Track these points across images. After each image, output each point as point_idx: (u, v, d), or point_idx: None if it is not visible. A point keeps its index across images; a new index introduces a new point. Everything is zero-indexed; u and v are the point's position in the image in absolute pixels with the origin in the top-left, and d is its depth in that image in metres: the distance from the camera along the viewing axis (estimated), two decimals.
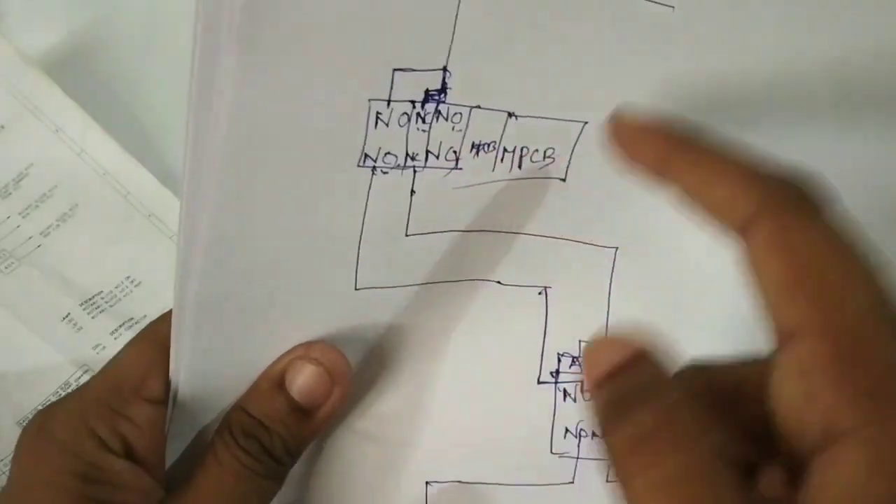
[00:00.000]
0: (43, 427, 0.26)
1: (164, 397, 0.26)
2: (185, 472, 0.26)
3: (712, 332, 0.30)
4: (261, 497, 0.26)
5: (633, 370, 0.19)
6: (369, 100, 0.24)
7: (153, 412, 0.26)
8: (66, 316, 0.40)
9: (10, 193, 0.42)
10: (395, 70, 0.24)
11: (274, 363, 0.27)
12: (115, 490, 0.25)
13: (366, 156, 0.25)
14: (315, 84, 0.23)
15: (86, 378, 0.39)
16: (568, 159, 0.27)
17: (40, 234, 0.42)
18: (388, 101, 0.24)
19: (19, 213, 0.42)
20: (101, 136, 0.43)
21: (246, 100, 0.22)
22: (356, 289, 0.27)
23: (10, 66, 0.44)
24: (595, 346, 0.20)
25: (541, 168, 0.27)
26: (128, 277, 0.41)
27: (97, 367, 0.39)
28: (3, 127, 0.43)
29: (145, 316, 0.40)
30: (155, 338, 0.26)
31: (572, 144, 0.27)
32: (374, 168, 0.25)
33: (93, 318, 0.40)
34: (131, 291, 0.41)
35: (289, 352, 0.27)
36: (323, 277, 0.26)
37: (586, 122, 0.27)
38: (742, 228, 0.18)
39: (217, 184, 0.23)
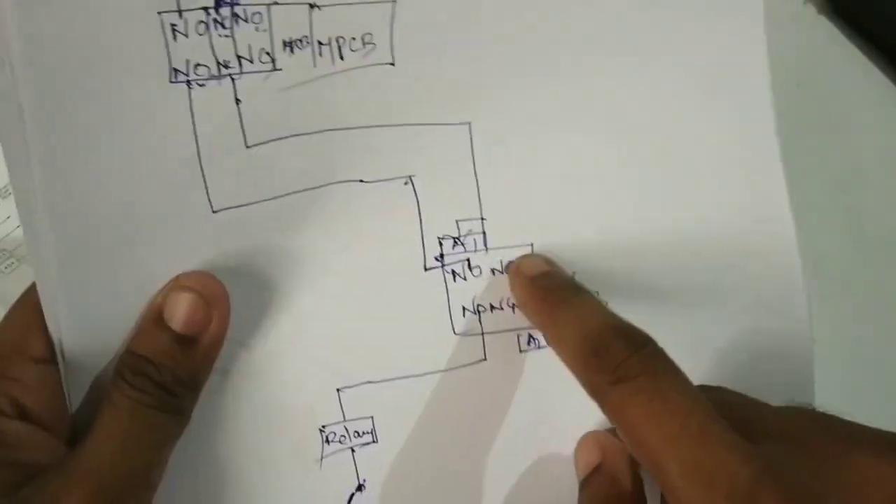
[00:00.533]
0: None
1: (51, 355, 0.26)
2: (87, 423, 0.27)
3: (578, 194, 0.30)
4: (161, 431, 0.26)
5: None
6: (158, 12, 0.24)
7: (41, 370, 0.26)
8: None
9: (10, 193, 0.43)
10: None
11: (151, 301, 0.27)
12: (10, 450, 0.25)
13: (175, 71, 0.25)
14: (102, 7, 0.24)
15: None
16: (389, 42, 0.27)
17: None
18: (179, 12, 0.24)
19: None
20: None
21: (34, 33, 0.23)
22: (214, 211, 0.27)
23: None
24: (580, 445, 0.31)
25: (364, 56, 0.27)
26: None
27: None
28: None
29: None
30: (31, 300, 0.26)
31: (388, 26, 0.27)
32: (188, 82, 0.25)
33: None
34: None
35: (164, 287, 0.27)
36: (176, 203, 0.26)
37: (395, 1, 0.26)
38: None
39: (33, 121, 0.24)
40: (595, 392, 0.25)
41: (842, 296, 0.43)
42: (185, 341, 0.26)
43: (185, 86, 0.25)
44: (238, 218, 0.27)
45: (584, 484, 0.30)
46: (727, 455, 0.21)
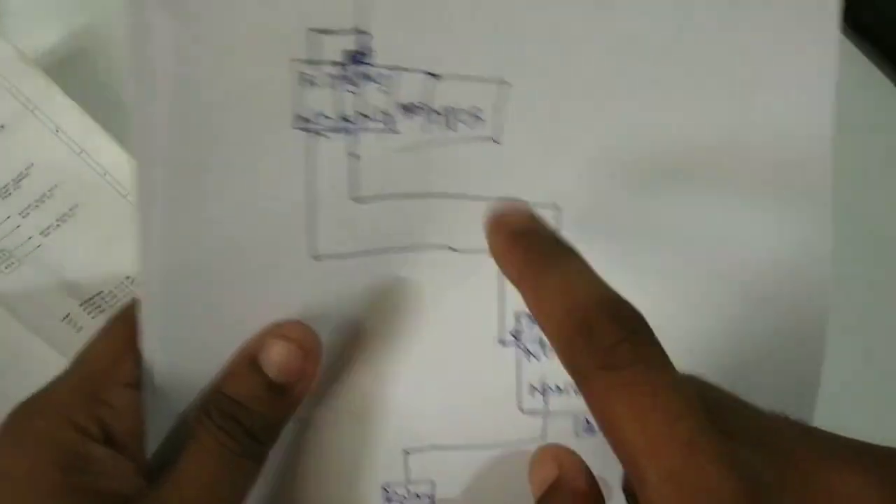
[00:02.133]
0: (20, 420, 0.26)
1: (139, 382, 0.26)
2: (165, 456, 0.26)
3: (662, 279, 0.31)
4: (243, 478, 0.26)
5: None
6: (291, 60, 0.25)
7: (130, 396, 0.26)
8: (66, 316, 0.40)
9: (10, 193, 0.43)
10: (312, 30, 0.25)
11: (247, 342, 0.27)
12: (96, 478, 0.25)
13: (298, 117, 0.26)
14: (239, 46, 0.24)
15: None
16: (498, 120, 0.28)
17: (40, 234, 0.42)
18: (312, 62, 0.25)
19: (19, 213, 0.42)
20: (101, 136, 0.43)
21: (173, 65, 0.24)
22: (314, 258, 0.28)
23: (10, 66, 0.44)
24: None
25: (472, 129, 0.28)
26: (128, 277, 0.41)
27: None
28: (3, 127, 0.44)
29: None
30: (126, 321, 0.27)
31: (500, 104, 0.28)
32: (309, 130, 0.26)
33: (93, 318, 0.40)
34: (131, 291, 0.41)
35: (262, 330, 0.27)
36: (281, 247, 0.27)
37: (509, 83, 0.27)
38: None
39: (164, 157, 0.24)
40: (577, 375, 0.22)
41: (841, 295, 0.43)
42: (278, 389, 0.27)
43: (305, 134, 0.26)
44: (335, 268, 0.28)
45: (541, 502, 0.28)
46: (713, 470, 0.19)
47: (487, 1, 0.26)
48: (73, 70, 0.46)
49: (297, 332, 0.27)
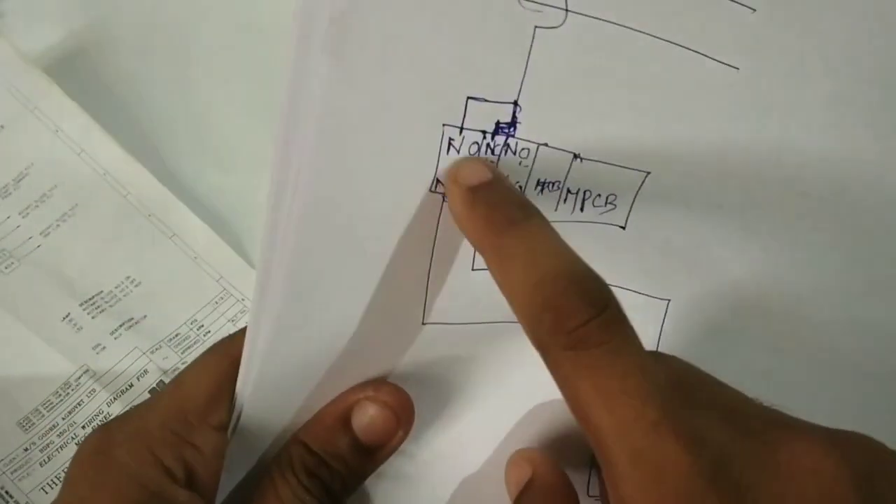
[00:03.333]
0: (103, 449, 0.25)
1: (228, 424, 0.26)
2: (240, 503, 0.26)
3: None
4: None
5: None
6: (443, 125, 0.25)
7: (217, 439, 0.26)
8: (66, 316, 0.40)
9: (10, 193, 0.43)
10: (469, 98, 0.25)
11: (339, 399, 0.27)
12: None
13: (437, 182, 0.25)
14: (396, 103, 0.24)
15: (86, 378, 0.39)
16: (629, 208, 0.28)
17: (40, 234, 0.42)
18: (461, 129, 0.25)
19: (19, 213, 0.43)
20: (101, 136, 0.44)
21: (332, 111, 0.24)
22: (423, 323, 0.27)
23: (10, 66, 0.44)
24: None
25: (602, 213, 0.28)
26: (128, 277, 0.41)
27: (97, 368, 0.39)
28: (3, 127, 0.44)
29: (145, 316, 0.41)
30: (225, 357, 0.26)
31: (634, 193, 0.28)
32: (444, 195, 0.26)
33: (93, 318, 0.40)
34: (131, 291, 0.41)
35: (356, 389, 0.27)
36: (394, 309, 0.27)
37: (649, 173, 0.27)
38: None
39: (298, 203, 0.24)
40: (543, 352, 0.21)
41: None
42: (364, 451, 0.27)
43: (440, 197, 0.26)
44: (441, 334, 0.28)
45: (517, 501, 0.28)
46: (679, 449, 0.20)
47: (642, 90, 0.26)
48: (73, 70, 0.46)
49: (394, 398, 0.27)
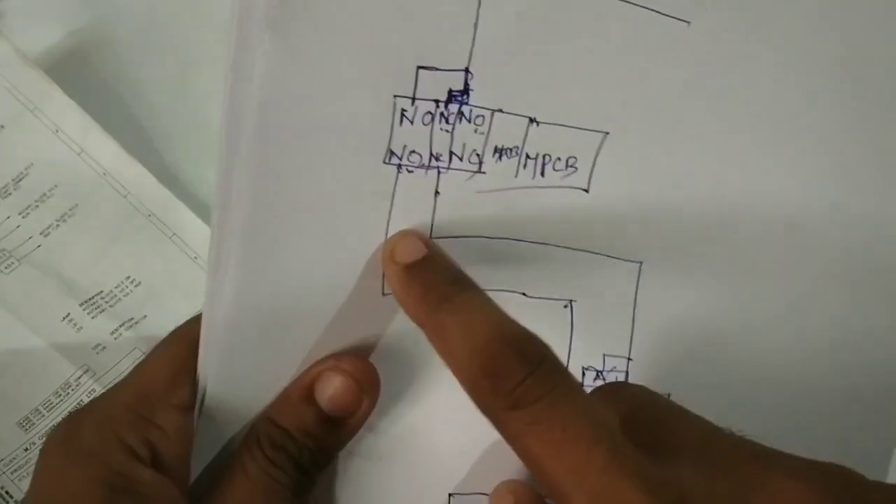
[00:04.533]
0: (70, 436, 0.26)
1: (192, 404, 0.26)
2: (210, 483, 0.26)
3: (738, 353, 0.31)
4: None
5: None
6: (395, 96, 0.25)
7: (181, 419, 0.26)
8: (66, 316, 0.40)
9: (10, 193, 0.43)
10: (419, 67, 0.25)
11: (304, 373, 0.27)
12: (140, 500, 0.25)
13: (391, 153, 0.26)
14: (343, 77, 0.24)
15: (86, 378, 0.39)
16: (590, 170, 0.28)
17: (40, 234, 0.42)
18: (413, 99, 0.25)
19: (19, 213, 0.43)
20: (101, 136, 0.44)
21: (276, 87, 0.24)
22: (384, 294, 0.27)
23: (10, 66, 0.44)
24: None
25: (563, 177, 0.28)
26: (128, 277, 0.42)
27: (97, 368, 0.39)
28: (3, 127, 0.44)
29: (145, 316, 0.41)
30: (183, 342, 0.27)
31: (594, 154, 0.28)
32: (399, 166, 0.26)
33: (93, 318, 0.40)
34: (131, 291, 0.41)
35: (319, 362, 0.27)
36: (353, 281, 0.27)
37: (608, 133, 0.27)
38: None
39: (249, 178, 0.24)
40: (490, 417, 0.22)
41: None
42: (330, 423, 0.27)
43: (395, 169, 0.26)
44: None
45: None
46: (636, 488, 0.20)
47: (595, 50, 0.26)
48: (73, 70, 0.46)
49: (356, 367, 0.27)
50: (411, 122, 0.25)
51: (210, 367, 0.26)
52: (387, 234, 0.26)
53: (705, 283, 0.30)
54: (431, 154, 0.26)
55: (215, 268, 0.25)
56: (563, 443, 0.21)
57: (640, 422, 0.23)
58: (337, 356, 0.27)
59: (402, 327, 0.28)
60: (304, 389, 0.27)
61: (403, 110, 0.25)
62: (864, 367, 0.32)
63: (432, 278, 0.25)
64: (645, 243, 0.29)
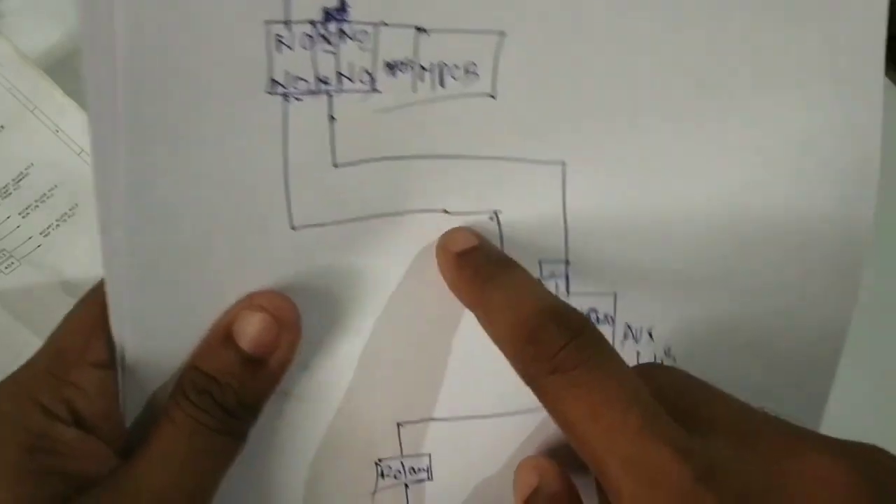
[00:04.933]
0: None
1: (112, 361, 0.26)
2: (142, 435, 0.26)
3: (669, 244, 0.30)
4: (219, 454, 0.26)
5: None
6: (266, 21, 0.24)
7: (100, 376, 0.25)
8: None
9: (10, 193, 0.43)
10: None
11: (222, 316, 0.26)
12: (64, 459, 0.24)
13: (273, 82, 0.25)
14: (207, 8, 0.23)
15: None
16: (493, 74, 0.27)
17: (40, 234, 0.42)
18: (287, 23, 0.24)
19: (19, 213, 0.43)
20: None
21: (139, 34, 0.23)
22: (293, 228, 0.27)
23: (10, 66, 0.44)
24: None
25: (465, 85, 0.27)
26: None
27: None
28: (3, 127, 0.44)
29: None
30: (95, 301, 0.26)
31: (493, 57, 0.27)
32: (285, 95, 0.25)
33: None
34: None
35: (236, 303, 0.27)
36: (256, 217, 0.26)
37: (504, 34, 0.26)
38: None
39: (123, 123, 0.23)
40: (530, 382, 0.24)
41: None
42: (253, 363, 0.26)
43: (281, 98, 0.25)
44: (316, 237, 0.27)
45: None
46: (669, 453, 0.21)
47: None
48: (73, 70, 0.46)
49: (272, 302, 0.26)
50: (290, 48, 0.24)
51: (122, 321, 0.25)
52: (285, 167, 0.26)
53: (634, 176, 0.29)
54: (318, 78, 0.25)
55: (104, 219, 0.24)
56: (599, 405, 0.22)
57: (672, 398, 0.24)
58: (252, 294, 0.26)
59: (318, 261, 0.27)
60: (222, 332, 0.26)
61: (279, 36, 0.24)
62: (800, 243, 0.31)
63: (481, 262, 0.27)
64: (564, 143, 0.28)
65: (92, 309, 0.26)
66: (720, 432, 0.23)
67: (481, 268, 0.27)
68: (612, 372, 0.23)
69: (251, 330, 0.26)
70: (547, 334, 0.24)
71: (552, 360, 0.23)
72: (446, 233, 0.28)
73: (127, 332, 0.25)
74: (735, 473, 0.21)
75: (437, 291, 0.29)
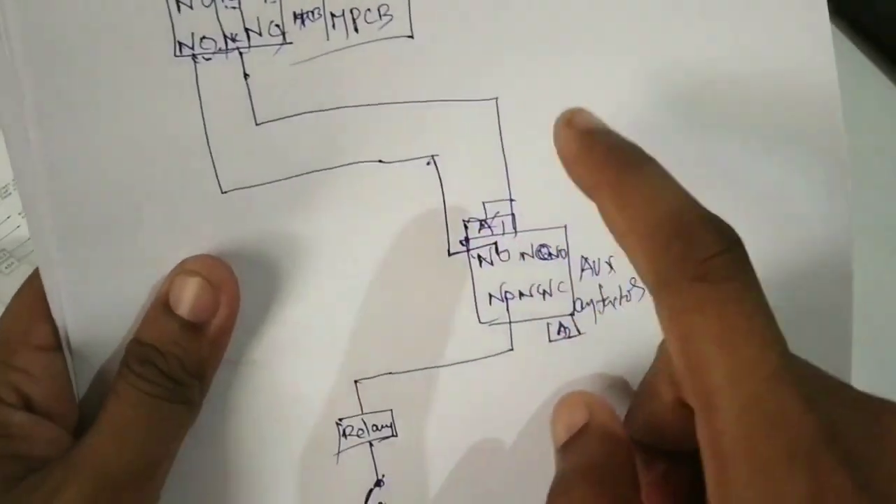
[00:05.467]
0: None
1: (57, 344, 0.26)
2: (94, 414, 0.26)
3: None
4: (169, 422, 0.26)
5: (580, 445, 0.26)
6: None
7: (47, 359, 0.26)
8: None
9: (9, 193, 0.44)
10: None
11: (160, 287, 0.27)
12: (15, 442, 0.25)
13: (180, 44, 0.25)
14: None
15: None
16: (408, 14, 0.26)
17: None
18: None
19: (19, 213, 0.44)
20: None
21: (32, 12, 0.23)
22: (223, 192, 0.26)
23: None
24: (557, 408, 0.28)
25: (381, 28, 0.26)
26: None
27: None
28: None
29: None
30: (35, 287, 0.26)
31: None
32: (193, 56, 0.25)
33: None
34: None
35: (171, 271, 0.27)
36: (183, 184, 0.26)
37: None
38: (651, 292, 0.21)
39: (31, 104, 0.24)
40: (662, 285, 0.21)
41: None
42: (193, 328, 0.26)
43: (190, 60, 0.25)
44: (249, 199, 0.27)
45: (566, 448, 0.26)
46: (799, 404, 0.19)
47: None
48: None
49: (204, 265, 0.26)
50: (190, 7, 0.24)
51: (60, 303, 0.26)
52: (205, 130, 0.25)
53: (568, 105, 0.28)
54: (226, 36, 0.25)
55: (29, 206, 0.25)
56: (743, 334, 0.19)
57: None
58: (184, 260, 0.26)
59: (262, 225, 0.27)
60: (160, 301, 0.26)
61: None
62: None
63: (617, 143, 0.23)
64: (493, 78, 0.28)
65: (31, 293, 0.26)
66: (846, 403, 0.20)
67: (618, 150, 0.23)
68: (760, 302, 0.20)
69: (187, 295, 0.26)
70: (700, 234, 0.20)
71: (702, 265, 0.20)
72: (568, 109, 0.24)
73: (68, 313, 0.26)
74: (852, 438, 0.19)
75: (382, 243, 0.28)
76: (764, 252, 0.27)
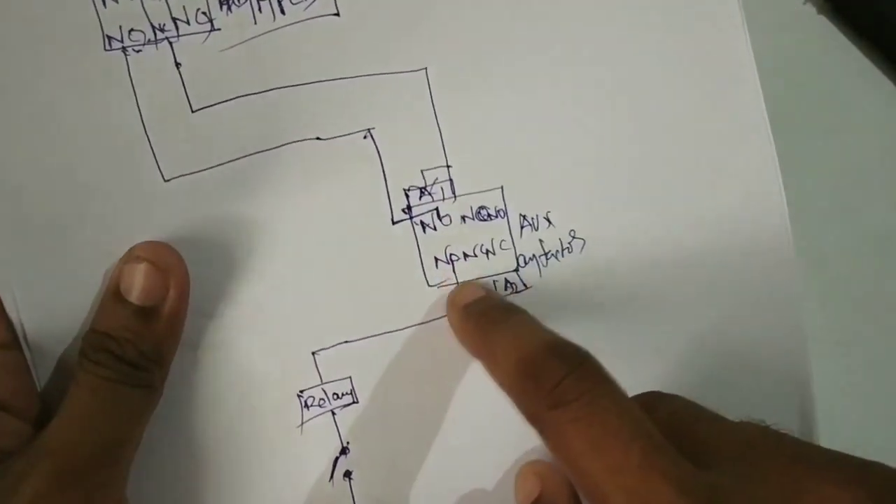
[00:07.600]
0: None
1: (14, 340, 0.27)
2: (56, 406, 0.27)
3: (546, 128, 0.30)
4: (129, 406, 0.26)
5: None
6: None
7: (5, 356, 0.26)
8: None
9: None
10: None
11: (110, 277, 0.27)
12: None
13: (109, 38, 0.25)
14: None
15: None
16: None
17: None
18: None
19: None
20: None
21: None
22: (166, 180, 0.27)
23: None
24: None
25: (306, 8, 0.27)
26: None
27: None
28: None
29: None
30: None
31: None
32: (124, 49, 0.25)
33: None
34: None
35: (119, 260, 0.27)
36: (125, 175, 0.27)
37: None
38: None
39: None
40: (533, 420, 0.24)
41: (841, 296, 0.43)
42: (146, 313, 0.27)
43: (121, 53, 0.25)
44: (192, 186, 0.27)
45: None
46: (671, 489, 0.21)
47: None
48: None
49: (151, 251, 0.27)
50: (115, 1, 0.25)
51: (13, 300, 0.26)
52: (142, 121, 0.26)
53: (497, 68, 0.29)
54: (154, 27, 0.25)
55: None
56: (601, 439, 0.22)
57: (677, 429, 0.24)
58: (132, 248, 0.27)
59: (209, 210, 0.28)
60: (111, 290, 0.27)
61: None
62: None
63: (485, 309, 0.28)
64: (421, 48, 0.29)
65: None
66: (727, 463, 0.22)
67: (484, 315, 0.28)
68: (612, 404, 0.23)
69: (137, 282, 0.27)
70: (546, 368, 0.24)
71: (552, 394, 0.23)
72: (455, 288, 0.30)
73: (21, 308, 0.26)
74: None
75: (327, 218, 0.29)
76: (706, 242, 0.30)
